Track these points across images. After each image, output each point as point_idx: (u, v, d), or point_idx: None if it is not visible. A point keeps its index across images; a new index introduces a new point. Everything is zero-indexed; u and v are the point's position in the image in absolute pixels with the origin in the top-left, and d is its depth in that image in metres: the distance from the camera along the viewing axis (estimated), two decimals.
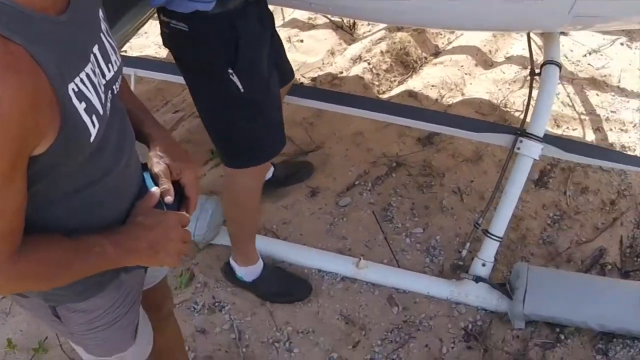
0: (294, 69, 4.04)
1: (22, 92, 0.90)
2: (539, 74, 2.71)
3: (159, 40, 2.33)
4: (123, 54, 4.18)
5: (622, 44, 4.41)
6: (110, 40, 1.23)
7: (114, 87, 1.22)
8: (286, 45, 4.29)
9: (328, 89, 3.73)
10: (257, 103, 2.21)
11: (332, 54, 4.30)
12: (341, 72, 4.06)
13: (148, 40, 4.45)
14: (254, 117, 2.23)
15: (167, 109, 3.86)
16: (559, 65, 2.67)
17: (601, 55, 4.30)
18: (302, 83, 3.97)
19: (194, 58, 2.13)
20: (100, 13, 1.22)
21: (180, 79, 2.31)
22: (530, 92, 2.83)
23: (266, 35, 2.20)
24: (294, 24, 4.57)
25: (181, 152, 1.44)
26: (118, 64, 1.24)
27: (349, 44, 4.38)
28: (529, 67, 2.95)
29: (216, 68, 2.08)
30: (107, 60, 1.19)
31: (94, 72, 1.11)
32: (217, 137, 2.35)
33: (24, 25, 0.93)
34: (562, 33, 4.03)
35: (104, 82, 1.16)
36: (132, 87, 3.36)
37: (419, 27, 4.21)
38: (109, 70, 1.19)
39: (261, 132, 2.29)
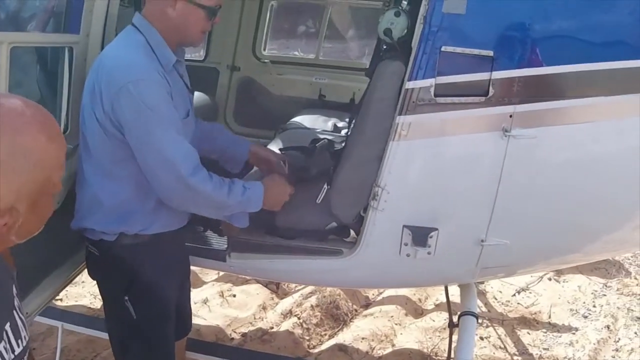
0: (226, 323, 4.08)
1: None
2: (458, 325, 2.75)
3: (96, 290, 2.45)
4: (57, 302, 4.12)
5: (549, 279, 4.59)
6: (22, 316, 1.25)
7: None
8: (219, 300, 4.38)
9: (233, 347, 3.74)
10: (150, 330, 2.28)
11: (264, 308, 4.31)
12: (272, 327, 4.03)
13: (84, 290, 4.39)
14: (147, 343, 2.29)
15: None
16: (476, 316, 2.73)
17: (530, 292, 4.44)
18: (232, 338, 3.91)
19: (101, 281, 2.32)
20: (14, 289, 1.25)
21: (104, 335, 2.43)
22: (450, 344, 2.85)
23: (176, 268, 2.39)
24: (227, 278, 4.63)
25: None
26: (27, 339, 1.24)
27: (281, 298, 4.42)
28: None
29: (114, 293, 2.24)
30: (17, 337, 1.20)
31: (5, 348, 1.12)
32: (116, 358, 2.40)
33: None
34: (479, 282, 4.19)
35: (12, 356, 1.16)
36: (59, 340, 3.27)
37: None
38: (19, 346, 1.20)
39: (153, 357, 2.34)
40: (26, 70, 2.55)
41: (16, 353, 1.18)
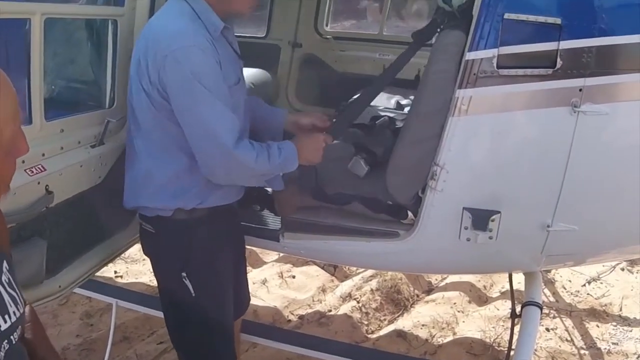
0: (284, 305, 4.05)
1: None
2: (520, 315, 2.60)
3: None
4: (117, 279, 4.20)
5: (622, 269, 4.34)
6: (12, 292, 1.21)
7: (11, 337, 1.18)
8: (278, 281, 4.36)
9: (294, 331, 3.66)
10: (209, 309, 2.24)
11: (323, 290, 4.25)
12: (330, 310, 3.97)
13: (144, 267, 4.46)
14: (205, 322, 2.25)
15: (152, 339, 3.74)
16: (540, 307, 2.57)
17: (601, 283, 4.21)
18: (289, 320, 3.88)
19: (156, 258, 2.30)
20: (5, 264, 1.22)
21: (159, 314, 2.43)
22: (511, 335, 2.71)
23: (232, 244, 2.37)
24: (287, 259, 4.60)
25: None
26: (17, 315, 1.20)
27: (342, 281, 4.36)
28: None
29: (171, 270, 2.21)
30: (4, 312, 1.16)
31: None
32: (171, 336, 2.39)
33: None
34: (545, 271, 4.00)
35: None
36: (112, 317, 3.31)
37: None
38: (5, 322, 1.16)
39: (213, 338, 2.30)
40: (75, 43, 2.55)
41: (2, 329, 1.15)
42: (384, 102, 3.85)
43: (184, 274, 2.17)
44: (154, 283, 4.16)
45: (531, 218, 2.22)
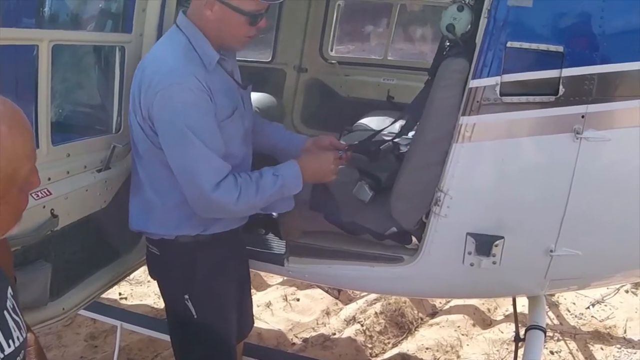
0: (288, 328, 4.04)
1: None
2: (524, 339, 2.60)
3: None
4: (122, 301, 4.19)
5: (627, 291, 4.33)
6: (16, 317, 1.24)
7: None
8: (282, 304, 4.35)
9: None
10: (211, 331, 2.26)
11: (328, 314, 4.25)
12: (334, 334, 3.97)
13: (149, 290, 4.48)
14: (207, 344, 2.27)
15: None
16: (544, 331, 2.57)
17: (605, 305, 4.19)
18: (293, 343, 3.87)
19: (161, 280, 2.33)
20: (10, 290, 1.25)
21: (163, 336, 2.48)
22: (515, 359, 2.69)
23: (235, 268, 2.37)
24: (291, 282, 4.59)
25: None
26: (21, 339, 1.24)
27: (346, 304, 4.35)
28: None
29: (175, 292, 2.25)
30: (8, 337, 1.20)
31: None
32: (176, 357, 2.40)
33: None
34: (550, 294, 3.99)
35: (1, 356, 1.16)
36: (117, 339, 3.31)
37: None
38: (9, 346, 1.19)
39: (215, 358, 2.34)
40: (83, 68, 2.58)
41: (6, 353, 1.18)
42: (390, 126, 3.87)
43: (186, 296, 2.21)
44: (159, 305, 4.18)
45: (535, 243, 2.22)
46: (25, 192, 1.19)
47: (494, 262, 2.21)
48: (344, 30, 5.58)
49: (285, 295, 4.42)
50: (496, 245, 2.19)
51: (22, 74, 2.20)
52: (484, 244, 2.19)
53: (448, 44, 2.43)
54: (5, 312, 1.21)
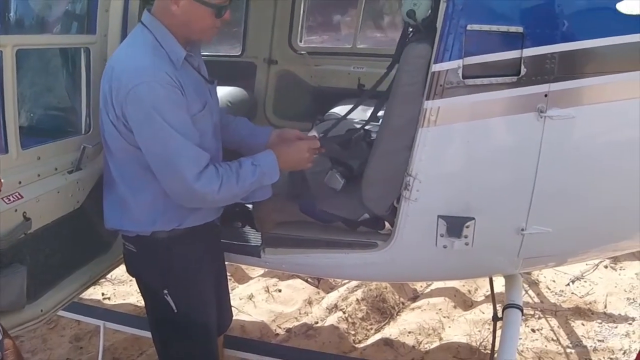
0: (271, 319, 4.06)
1: None
2: (501, 318, 2.63)
3: None
4: (104, 301, 4.17)
5: (606, 266, 4.38)
6: None
7: None
8: (264, 296, 4.36)
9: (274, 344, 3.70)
10: (192, 324, 2.28)
11: (310, 303, 4.26)
12: (317, 322, 3.99)
13: (131, 288, 4.45)
14: (189, 338, 2.29)
15: (142, 359, 3.73)
16: (521, 309, 2.60)
17: (585, 281, 4.25)
18: (277, 334, 3.89)
19: (139, 277, 2.35)
20: None
21: (147, 334, 2.48)
22: (494, 338, 2.74)
23: (212, 261, 2.39)
24: (272, 273, 4.60)
25: None
26: None
27: (327, 292, 4.37)
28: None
29: (153, 288, 2.27)
30: None
31: None
32: (158, 353, 2.43)
33: None
34: (527, 273, 4.03)
35: None
36: (101, 339, 3.32)
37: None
38: None
39: (196, 353, 2.36)
40: (50, 70, 2.57)
41: None
42: (360, 114, 3.87)
43: (165, 291, 2.23)
44: (142, 303, 4.15)
45: (505, 222, 2.25)
46: None
47: (467, 244, 2.24)
48: (314, 20, 5.54)
49: (267, 287, 4.42)
50: (467, 227, 2.21)
51: None
52: (455, 225, 2.22)
53: (410, 30, 2.44)
54: None
